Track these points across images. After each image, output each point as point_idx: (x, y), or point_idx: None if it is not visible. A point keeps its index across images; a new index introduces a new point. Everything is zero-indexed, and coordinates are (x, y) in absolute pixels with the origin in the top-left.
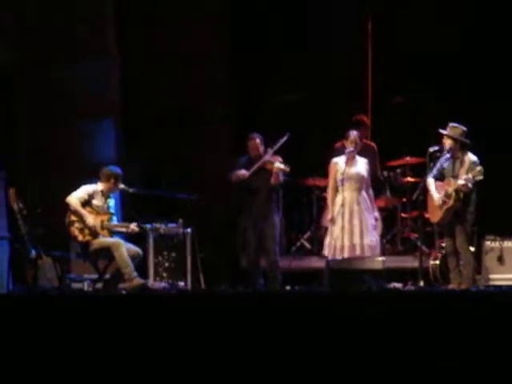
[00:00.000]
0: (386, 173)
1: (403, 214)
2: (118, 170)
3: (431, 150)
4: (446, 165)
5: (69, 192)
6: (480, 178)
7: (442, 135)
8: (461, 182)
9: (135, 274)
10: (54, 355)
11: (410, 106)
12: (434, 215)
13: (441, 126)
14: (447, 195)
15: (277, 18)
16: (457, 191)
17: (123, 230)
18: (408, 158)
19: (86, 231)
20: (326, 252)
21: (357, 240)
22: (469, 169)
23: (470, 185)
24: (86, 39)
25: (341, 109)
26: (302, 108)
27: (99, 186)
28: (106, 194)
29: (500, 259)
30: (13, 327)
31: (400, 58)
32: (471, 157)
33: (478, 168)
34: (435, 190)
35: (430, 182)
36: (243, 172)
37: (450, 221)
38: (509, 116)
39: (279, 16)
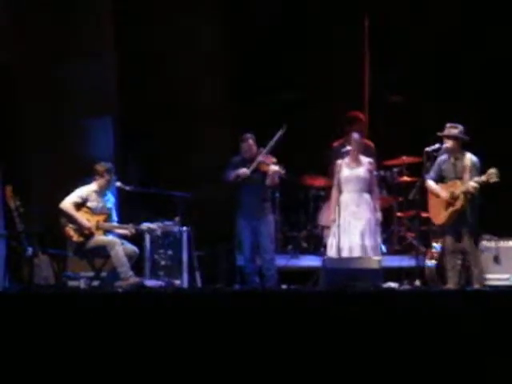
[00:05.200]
0: (382, 172)
1: (399, 214)
2: (109, 164)
3: (428, 149)
4: (444, 166)
5: (66, 190)
6: (495, 180)
7: (440, 137)
8: (472, 184)
9: (131, 273)
10: (50, 353)
11: (407, 105)
12: (438, 217)
13: (437, 126)
14: (454, 197)
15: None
16: (465, 193)
17: (119, 231)
18: (404, 158)
19: (81, 232)
20: (329, 253)
21: (356, 241)
22: (472, 170)
23: (478, 186)
24: (83, 37)
25: (338, 107)
26: (300, 106)
27: (93, 186)
28: (102, 192)
29: (496, 259)
30: (9, 325)
31: (398, 57)
32: (472, 157)
33: (493, 170)
34: (440, 189)
35: (431, 183)
36: (244, 170)
37: (454, 221)
38: (507, 118)
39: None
